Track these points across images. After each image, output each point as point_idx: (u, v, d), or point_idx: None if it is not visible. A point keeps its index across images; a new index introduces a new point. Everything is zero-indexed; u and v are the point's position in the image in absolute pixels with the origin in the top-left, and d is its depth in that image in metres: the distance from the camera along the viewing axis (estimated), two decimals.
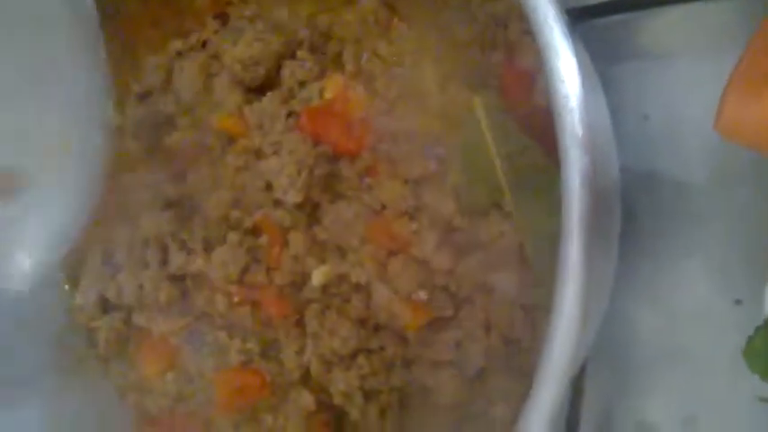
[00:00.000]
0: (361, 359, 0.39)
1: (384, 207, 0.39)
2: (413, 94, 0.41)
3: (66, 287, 0.53)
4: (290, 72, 0.43)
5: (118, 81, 0.47)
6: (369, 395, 0.39)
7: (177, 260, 0.45)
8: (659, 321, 0.47)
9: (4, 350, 0.48)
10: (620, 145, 0.47)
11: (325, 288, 0.41)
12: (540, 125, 0.35)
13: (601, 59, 0.48)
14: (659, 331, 0.47)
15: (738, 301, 0.44)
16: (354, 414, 0.39)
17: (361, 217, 0.39)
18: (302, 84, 0.42)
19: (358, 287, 0.39)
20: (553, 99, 0.26)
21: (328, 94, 0.41)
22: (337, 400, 0.40)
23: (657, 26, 0.47)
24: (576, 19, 0.43)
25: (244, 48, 0.43)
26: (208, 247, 0.44)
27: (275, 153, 0.41)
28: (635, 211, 0.48)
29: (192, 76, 0.46)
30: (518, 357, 0.37)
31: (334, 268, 0.40)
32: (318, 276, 0.40)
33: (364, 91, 0.40)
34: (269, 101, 0.43)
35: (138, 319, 0.48)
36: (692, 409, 0.47)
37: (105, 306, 0.50)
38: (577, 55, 0.36)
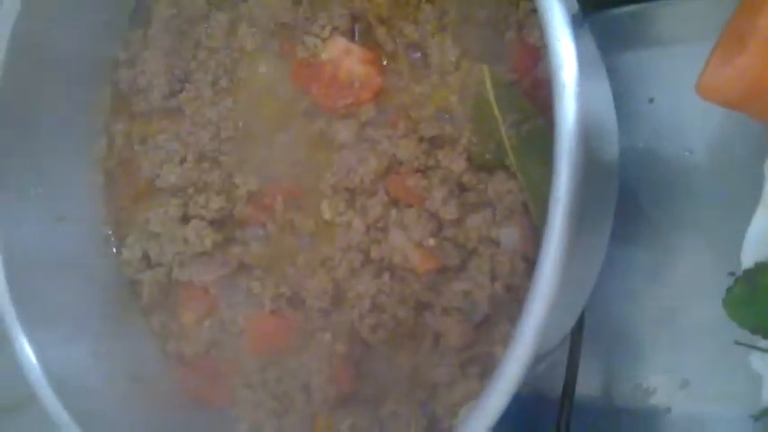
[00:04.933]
0: (385, 277, 0.44)
1: (400, 163, 0.43)
2: (432, 68, 0.45)
3: (114, 242, 0.58)
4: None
5: None
6: (377, 321, 0.44)
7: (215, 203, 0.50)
8: (657, 291, 0.50)
9: (61, 288, 0.53)
10: (625, 126, 0.50)
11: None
12: (542, 95, 0.39)
13: (610, 47, 0.51)
14: (657, 300, 0.50)
15: (732, 273, 0.47)
16: (364, 331, 0.44)
17: (365, 162, 0.44)
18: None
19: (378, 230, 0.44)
20: (552, 76, 0.30)
21: (324, 55, 0.47)
22: (351, 304, 0.44)
23: (664, 17, 0.50)
24: (588, 8, 0.47)
25: None
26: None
27: None
28: (636, 187, 0.51)
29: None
30: (518, 304, 0.41)
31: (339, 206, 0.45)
32: (325, 211, 0.46)
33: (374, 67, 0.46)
34: None
35: (180, 274, 0.53)
36: (688, 374, 0.50)
37: (150, 260, 0.55)
38: (582, 41, 0.40)
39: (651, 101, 0.51)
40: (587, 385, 0.51)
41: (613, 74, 0.51)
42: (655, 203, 0.51)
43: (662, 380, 0.50)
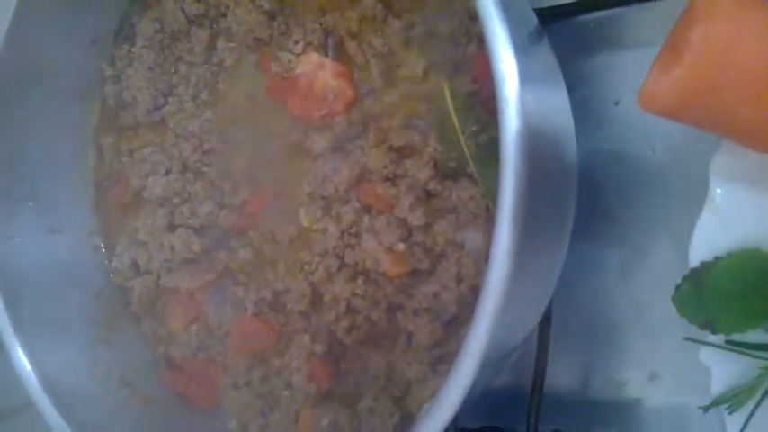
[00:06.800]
0: (359, 281, 0.46)
1: (371, 172, 0.46)
2: (401, 80, 0.47)
3: (104, 252, 0.60)
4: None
5: None
6: (352, 323, 0.46)
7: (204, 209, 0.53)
8: (626, 287, 0.52)
9: (54, 297, 0.55)
10: (591, 129, 0.53)
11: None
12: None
13: (576, 53, 0.53)
14: (626, 296, 0.52)
15: None
16: (340, 332, 0.46)
17: (339, 171, 0.46)
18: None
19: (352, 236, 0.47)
20: (493, 74, 0.32)
21: (299, 69, 0.49)
22: (328, 307, 0.47)
23: (628, 22, 0.52)
24: (549, 18, 0.49)
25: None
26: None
27: None
28: (604, 187, 0.53)
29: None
30: None
31: (315, 214, 0.47)
32: (303, 218, 0.48)
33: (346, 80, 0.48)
34: None
35: (167, 281, 0.55)
36: (657, 367, 0.52)
37: (138, 268, 0.57)
38: (539, 54, 0.42)
39: (617, 104, 0.53)
40: (561, 378, 0.53)
41: (580, 79, 0.53)
42: (622, 202, 0.53)
43: (632, 373, 0.52)
